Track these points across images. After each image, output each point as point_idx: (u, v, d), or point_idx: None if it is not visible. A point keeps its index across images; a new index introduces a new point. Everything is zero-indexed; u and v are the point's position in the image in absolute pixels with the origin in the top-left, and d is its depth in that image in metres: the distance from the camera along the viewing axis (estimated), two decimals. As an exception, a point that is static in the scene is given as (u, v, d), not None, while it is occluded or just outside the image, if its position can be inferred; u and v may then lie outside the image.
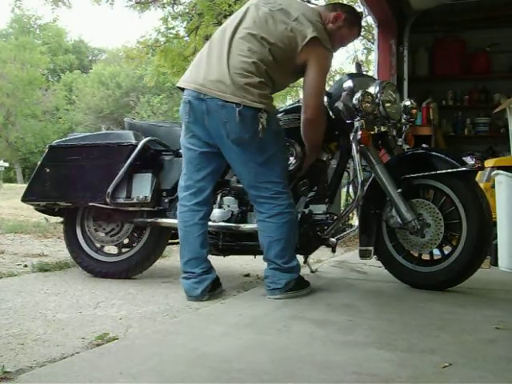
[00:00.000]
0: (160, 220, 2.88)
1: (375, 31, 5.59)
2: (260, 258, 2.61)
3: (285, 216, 2.38)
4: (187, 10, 8.79)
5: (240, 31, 2.37)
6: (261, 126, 2.30)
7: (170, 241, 3.07)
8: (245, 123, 2.28)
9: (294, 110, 2.66)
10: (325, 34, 2.43)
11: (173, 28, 9.00)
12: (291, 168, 2.63)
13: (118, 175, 2.81)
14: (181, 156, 2.95)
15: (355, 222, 2.79)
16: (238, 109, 2.26)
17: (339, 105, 2.60)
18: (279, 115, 2.69)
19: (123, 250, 3.05)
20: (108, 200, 2.80)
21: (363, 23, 9.97)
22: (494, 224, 3.07)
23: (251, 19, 2.39)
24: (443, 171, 2.53)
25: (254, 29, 2.36)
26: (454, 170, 2.50)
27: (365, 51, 10.96)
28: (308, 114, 2.45)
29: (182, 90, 2.45)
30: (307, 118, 2.47)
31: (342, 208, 3.07)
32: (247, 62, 2.29)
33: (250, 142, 2.32)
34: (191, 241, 2.44)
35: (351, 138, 2.56)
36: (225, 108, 2.28)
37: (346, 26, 2.55)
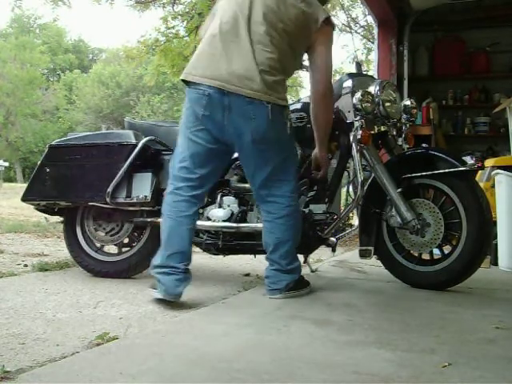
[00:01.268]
0: (160, 219, 2.87)
1: (375, 31, 5.60)
2: (260, 257, 2.60)
3: (292, 217, 2.36)
4: (187, 10, 8.78)
5: (256, 21, 2.25)
6: (288, 124, 2.29)
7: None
8: (274, 122, 2.23)
9: (293, 110, 2.65)
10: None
11: (173, 28, 8.98)
12: None
13: (118, 175, 2.81)
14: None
15: (355, 221, 2.79)
16: (269, 106, 2.21)
17: (339, 104, 2.60)
18: None
19: (123, 249, 3.05)
20: (108, 199, 2.80)
21: (363, 23, 10.00)
22: (494, 223, 3.07)
23: (263, 5, 2.27)
24: (443, 171, 2.53)
25: (270, 17, 2.26)
26: (454, 169, 2.50)
27: (365, 51, 10.97)
28: (322, 88, 2.39)
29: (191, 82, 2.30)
30: (321, 93, 2.39)
31: (342, 208, 3.06)
32: (274, 59, 2.24)
33: (272, 141, 2.27)
34: (181, 232, 2.29)
35: (351, 137, 2.56)
36: (252, 104, 2.20)
37: None
